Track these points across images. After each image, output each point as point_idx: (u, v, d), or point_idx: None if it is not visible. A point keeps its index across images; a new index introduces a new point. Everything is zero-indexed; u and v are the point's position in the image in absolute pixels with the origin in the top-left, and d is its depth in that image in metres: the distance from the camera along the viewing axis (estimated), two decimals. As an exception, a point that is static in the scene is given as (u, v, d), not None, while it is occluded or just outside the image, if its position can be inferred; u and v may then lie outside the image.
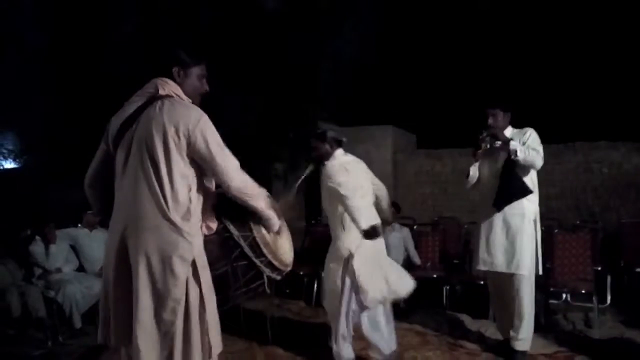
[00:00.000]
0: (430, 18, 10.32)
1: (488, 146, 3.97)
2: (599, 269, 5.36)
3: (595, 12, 9.75)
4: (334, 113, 8.96)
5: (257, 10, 8.16)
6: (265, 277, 2.47)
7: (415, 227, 6.90)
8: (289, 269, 2.59)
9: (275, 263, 2.45)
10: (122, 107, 2.34)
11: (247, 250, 2.37)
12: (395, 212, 6.17)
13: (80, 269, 5.44)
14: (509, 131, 3.98)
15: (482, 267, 3.97)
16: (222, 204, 2.40)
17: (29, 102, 9.54)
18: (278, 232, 2.55)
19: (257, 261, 2.39)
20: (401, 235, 5.99)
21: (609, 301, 5.19)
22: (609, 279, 5.26)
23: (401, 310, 5.39)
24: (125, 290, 2.19)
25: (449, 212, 8.48)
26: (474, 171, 4.11)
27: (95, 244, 5.46)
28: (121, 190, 2.27)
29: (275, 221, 2.46)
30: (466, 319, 4.89)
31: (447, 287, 5.41)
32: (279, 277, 2.54)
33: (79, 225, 5.68)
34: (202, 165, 2.25)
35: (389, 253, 5.73)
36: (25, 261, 5.20)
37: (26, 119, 9.92)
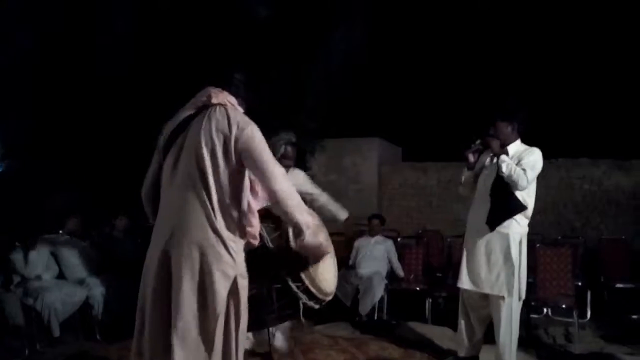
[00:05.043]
0: (417, 33, 10.43)
1: (476, 154, 3.89)
2: (580, 284, 5.42)
3: (577, 31, 9.94)
4: (321, 124, 8.97)
5: (241, 23, 8.16)
6: (300, 305, 2.30)
7: (399, 239, 6.93)
8: (329, 298, 2.44)
9: (313, 290, 2.28)
10: (175, 113, 2.31)
11: (283, 272, 2.22)
12: (380, 224, 6.21)
13: (61, 276, 5.35)
14: (515, 146, 3.81)
15: (464, 285, 3.83)
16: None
17: (10, 107, 9.42)
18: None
19: (293, 286, 2.24)
20: (385, 247, 6.00)
21: (589, 316, 5.25)
22: (589, 294, 5.32)
23: (383, 323, 5.41)
24: (164, 300, 2.12)
25: (433, 225, 8.51)
26: (467, 175, 3.97)
27: (76, 251, 5.39)
28: (167, 198, 2.23)
29: (318, 244, 2.23)
30: (448, 332, 4.89)
31: (430, 300, 5.43)
32: (317, 306, 2.39)
33: (60, 232, 5.60)
34: (250, 169, 2.18)
35: (372, 265, 5.80)
36: (3, 268, 5.10)
37: (7, 124, 9.79)
